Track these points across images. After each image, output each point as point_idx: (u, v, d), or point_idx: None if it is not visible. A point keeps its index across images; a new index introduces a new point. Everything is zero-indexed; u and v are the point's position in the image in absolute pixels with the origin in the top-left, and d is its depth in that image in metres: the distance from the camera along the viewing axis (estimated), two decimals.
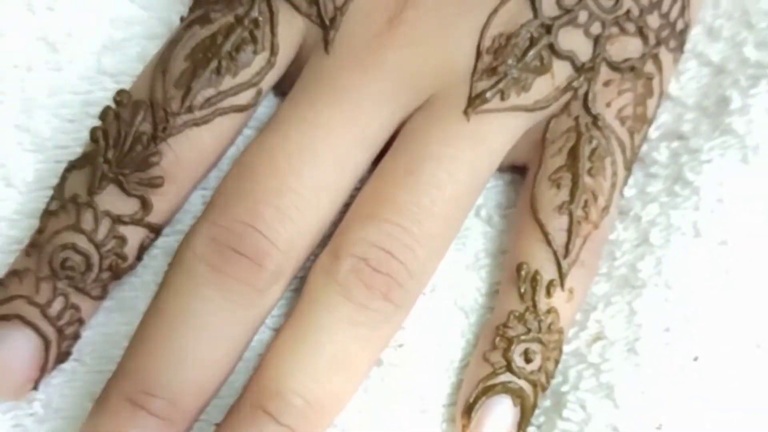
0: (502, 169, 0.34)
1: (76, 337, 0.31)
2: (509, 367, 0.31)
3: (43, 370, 0.31)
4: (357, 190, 0.32)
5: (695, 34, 0.35)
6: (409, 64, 0.31)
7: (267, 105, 0.34)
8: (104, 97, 0.33)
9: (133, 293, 0.33)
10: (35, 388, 0.31)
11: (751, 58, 0.35)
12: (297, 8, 0.32)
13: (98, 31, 0.34)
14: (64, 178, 0.31)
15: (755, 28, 0.35)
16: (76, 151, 0.33)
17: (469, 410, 0.31)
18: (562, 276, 0.32)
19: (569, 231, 0.32)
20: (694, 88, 0.35)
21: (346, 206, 0.32)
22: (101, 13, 0.34)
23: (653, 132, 0.35)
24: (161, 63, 0.31)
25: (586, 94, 0.32)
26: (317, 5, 0.31)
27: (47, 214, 0.31)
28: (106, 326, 0.33)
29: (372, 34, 0.31)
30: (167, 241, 0.33)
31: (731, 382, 0.31)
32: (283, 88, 0.33)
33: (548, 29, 0.31)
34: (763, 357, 0.32)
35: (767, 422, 0.31)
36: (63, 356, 0.31)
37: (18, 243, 0.32)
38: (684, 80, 0.35)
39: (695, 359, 0.31)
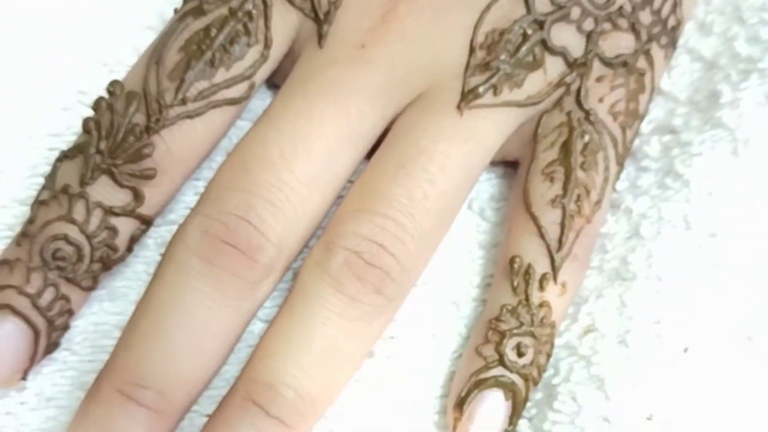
0: (494, 163, 0.34)
1: (65, 327, 0.31)
2: (501, 361, 0.31)
3: (33, 361, 0.31)
4: (350, 183, 0.32)
5: (687, 30, 0.36)
6: (401, 60, 0.31)
7: (260, 97, 0.34)
8: (98, 86, 0.33)
9: (125, 283, 0.33)
10: (24, 378, 0.31)
11: (742, 53, 0.35)
12: (291, 2, 0.32)
13: (94, 21, 0.34)
14: (55, 168, 0.31)
15: (746, 24, 0.35)
16: (69, 139, 0.33)
17: (461, 404, 0.31)
18: (555, 269, 0.32)
19: (562, 224, 0.32)
20: (685, 83, 0.35)
21: (340, 199, 0.32)
22: (97, 3, 0.34)
23: (645, 126, 0.35)
24: (155, 54, 0.31)
25: (578, 90, 0.32)
26: None
27: (38, 203, 0.31)
28: (97, 316, 0.33)
29: (365, 30, 0.31)
30: (159, 232, 0.33)
31: (722, 374, 0.31)
32: (276, 81, 0.33)
33: (541, 25, 0.31)
34: (754, 349, 0.32)
35: (757, 414, 0.31)
36: (52, 347, 0.31)
37: (10, 230, 0.32)
38: (675, 75, 0.35)
39: (685, 351, 0.31)
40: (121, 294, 0.33)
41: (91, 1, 0.34)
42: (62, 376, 0.32)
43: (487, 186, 0.35)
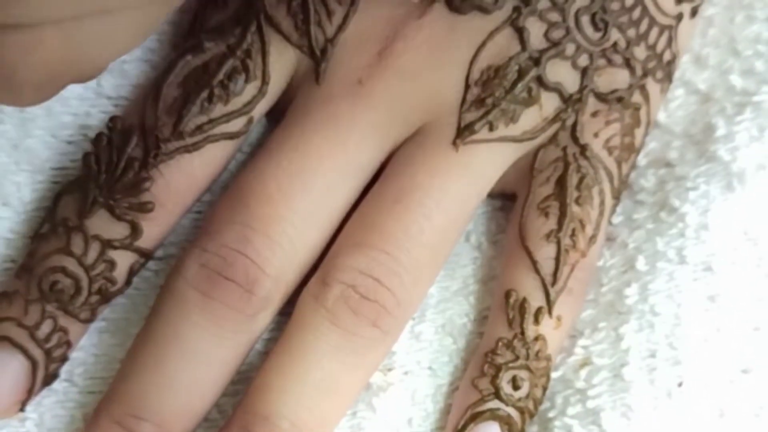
0: (492, 196, 0.34)
1: (63, 359, 0.31)
2: (497, 394, 0.31)
3: (30, 393, 0.31)
4: (347, 217, 0.32)
5: (683, 62, 0.36)
6: (398, 95, 0.31)
7: (258, 131, 0.34)
8: (102, 119, 0.33)
9: (125, 315, 0.33)
10: (22, 409, 0.31)
11: (737, 86, 0.35)
12: (288, 39, 0.32)
13: None
14: (55, 202, 0.32)
15: (741, 56, 0.35)
16: (73, 172, 0.33)
17: None
18: (550, 304, 0.32)
19: (557, 259, 0.32)
20: (681, 115, 0.35)
21: (337, 232, 0.32)
22: None
23: (641, 159, 0.35)
24: (154, 90, 0.32)
25: (573, 125, 0.32)
26: (308, 36, 0.32)
27: (38, 237, 0.32)
28: (97, 347, 0.33)
29: (362, 66, 0.31)
30: (159, 264, 0.33)
31: (717, 408, 0.31)
32: (275, 116, 0.33)
33: (536, 61, 0.32)
34: (749, 382, 0.32)
35: None
36: (50, 378, 0.31)
37: (12, 262, 0.32)
38: (672, 108, 0.35)
39: (680, 385, 0.31)
40: (122, 326, 0.33)
41: None
42: (63, 407, 0.32)
43: (485, 219, 0.35)
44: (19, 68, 0.22)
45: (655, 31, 0.33)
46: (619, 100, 0.32)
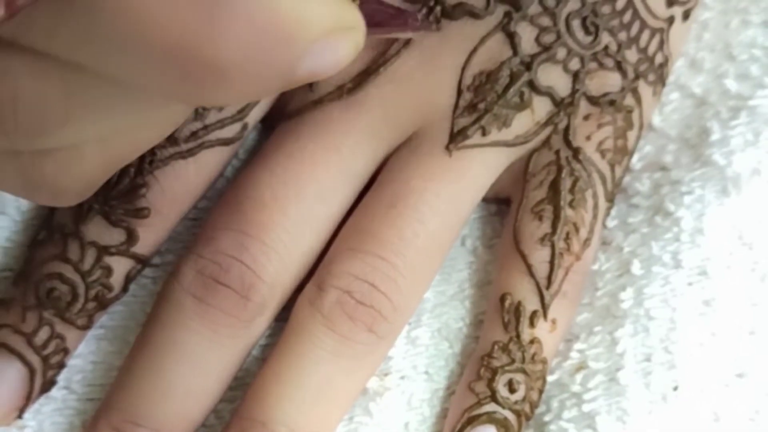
0: (487, 200, 0.34)
1: (61, 366, 0.31)
2: (494, 397, 0.31)
3: (28, 399, 0.31)
4: (343, 222, 0.32)
5: (679, 67, 0.36)
6: (391, 101, 0.32)
7: (254, 137, 0.34)
8: None
9: (123, 322, 0.33)
10: (20, 416, 0.31)
11: (732, 90, 0.35)
12: None
13: None
14: (52, 209, 0.32)
15: (736, 60, 0.36)
16: None
17: None
18: (544, 307, 0.32)
19: (551, 263, 0.32)
20: (676, 119, 0.35)
21: (333, 238, 0.32)
22: None
23: (636, 163, 0.35)
24: None
25: (566, 129, 0.32)
26: None
27: (35, 244, 0.32)
28: (95, 355, 0.33)
29: (355, 71, 0.32)
30: (156, 271, 0.33)
31: (712, 412, 0.31)
32: (270, 122, 0.33)
33: (528, 66, 0.32)
34: (745, 386, 0.32)
35: None
36: (48, 385, 0.31)
37: (10, 271, 0.33)
38: (667, 112, 0.36)
39: (675, 389, 0.31)
40: (120, 333, 0.33)
41: None
42: (61, 414, 0.32)
43: (480, 223, 0.35)
44: (59, 179, 0.23)
45: (646, 34, 0.33)
46: (611, 103, 0.33)
